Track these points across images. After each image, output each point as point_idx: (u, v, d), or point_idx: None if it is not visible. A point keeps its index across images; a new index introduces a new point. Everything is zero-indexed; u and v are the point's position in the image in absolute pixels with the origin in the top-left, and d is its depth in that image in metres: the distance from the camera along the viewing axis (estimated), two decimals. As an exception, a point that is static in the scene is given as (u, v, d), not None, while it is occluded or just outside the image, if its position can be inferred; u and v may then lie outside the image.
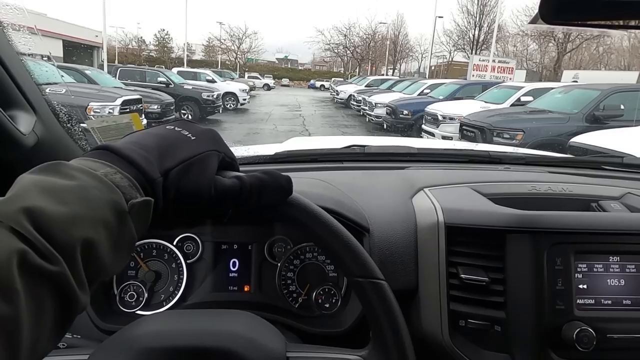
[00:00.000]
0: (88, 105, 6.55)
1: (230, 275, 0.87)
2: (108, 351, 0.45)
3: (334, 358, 0.50)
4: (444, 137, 7.92)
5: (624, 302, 0.70)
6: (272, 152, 1.19)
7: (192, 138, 0.43)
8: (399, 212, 0.85)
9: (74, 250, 0.30)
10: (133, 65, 18.18)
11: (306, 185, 0.90)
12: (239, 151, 1.27)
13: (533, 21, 0.81)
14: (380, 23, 46.61)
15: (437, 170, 1.12)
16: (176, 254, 0.86)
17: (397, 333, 0.49)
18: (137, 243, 0.86)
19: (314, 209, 0.50)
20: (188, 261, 0.86)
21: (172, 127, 0.44)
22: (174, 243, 0.87)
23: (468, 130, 6.90)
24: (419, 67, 47.42)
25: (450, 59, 41.90)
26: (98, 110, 6.76)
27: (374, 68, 49.34)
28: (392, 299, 0.49)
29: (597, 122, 6.08)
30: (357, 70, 50.45)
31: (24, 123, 0.64)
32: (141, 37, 50.62)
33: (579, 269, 0.71)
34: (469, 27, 36.04)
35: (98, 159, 0.37)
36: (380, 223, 0.82)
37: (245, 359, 0.45)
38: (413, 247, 0.79)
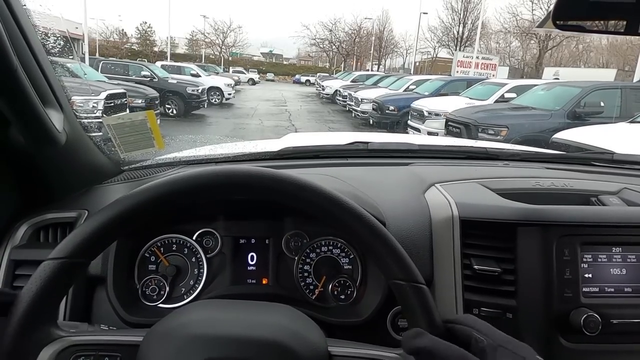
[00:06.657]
0: (71, 99, 6.39)
1: (248, 268, 0.90)
2: (161, 335, 0.47)
3: (374, 354, 0.51)
4: (429, 133, 8.02)
5: (625, 289, 0.76)
6: (276, 149, 1.21)
7: None
8: (413, 206, 0.89)
9: None
10: (115, 59, 17.77)
11: (318, 181, 0.92)
12: (247, 147, 1.30)
13: (541, 25, 0.85)
14: (366, 18, 46.53)
15: (443, 166, 1.16)
16: (196, 248, 0.88)
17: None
18: (157, 238, 0.88)
19: (365, 215, 0.52)
20: (208, 255, 0.88)
21: None
22: (194, 238, 0.89)
23: (453, 126, 7.00)
24: (404, 63, 47.70)
25: (435, 55, 42.28)
26: (81, 104, 6.47)
27: (359, 63, 49.38)
28: (431, 302, 0.52)
29: (578, 118, 6.24)
30: (343, 65, 50.39)
31: (57, 120, 0.65)
32: (122, 30, 49.30)
33: (584, 259, 0.76)
34: (453, 23, 36.38)
35: None
36: (394, 217, 0.86)
37: (293, 351, 0.45)
38: (428, 239, 0.83)
